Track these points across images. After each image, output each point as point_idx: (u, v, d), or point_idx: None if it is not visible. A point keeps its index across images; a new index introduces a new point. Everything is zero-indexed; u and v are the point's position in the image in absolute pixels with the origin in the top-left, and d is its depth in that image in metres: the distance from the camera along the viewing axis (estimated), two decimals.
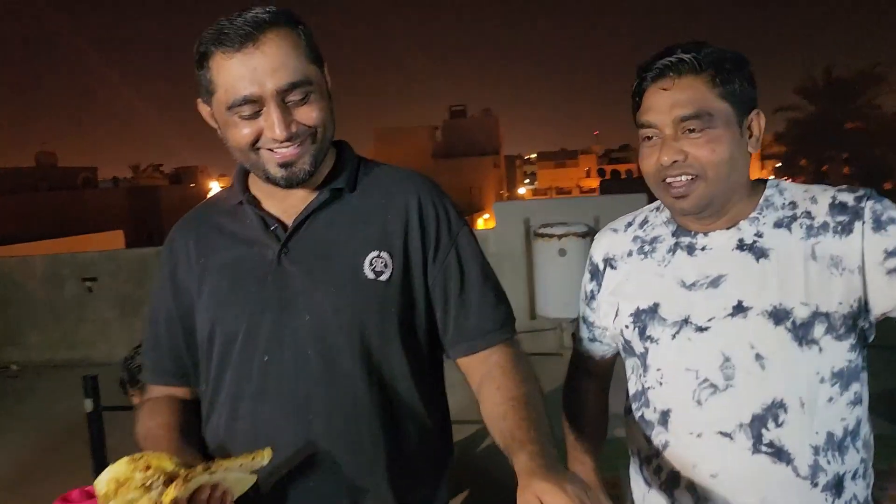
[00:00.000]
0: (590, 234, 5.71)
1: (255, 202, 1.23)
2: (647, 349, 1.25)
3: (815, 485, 1.14)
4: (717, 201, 1.17)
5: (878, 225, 1.11)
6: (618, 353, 1.41)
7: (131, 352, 2.20)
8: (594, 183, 67.16)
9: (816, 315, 1.12)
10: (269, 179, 1.16)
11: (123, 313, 7.21)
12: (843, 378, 1.14)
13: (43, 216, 26.87)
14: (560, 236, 5.76)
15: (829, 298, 1.12)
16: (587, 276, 1.41)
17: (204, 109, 1.21)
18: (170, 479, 0.96)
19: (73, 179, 37.60)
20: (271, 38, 1.09)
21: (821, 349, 1.12)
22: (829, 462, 1.14)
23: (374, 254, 1.18)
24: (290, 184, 1.16)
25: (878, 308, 1.14)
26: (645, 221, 1.34)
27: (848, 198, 1.15)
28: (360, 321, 1.16)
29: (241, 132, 1.12)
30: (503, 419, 1.09)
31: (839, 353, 1.14)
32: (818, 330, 1.12)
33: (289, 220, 1.21)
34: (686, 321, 1.19)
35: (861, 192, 1.15)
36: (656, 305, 1.23)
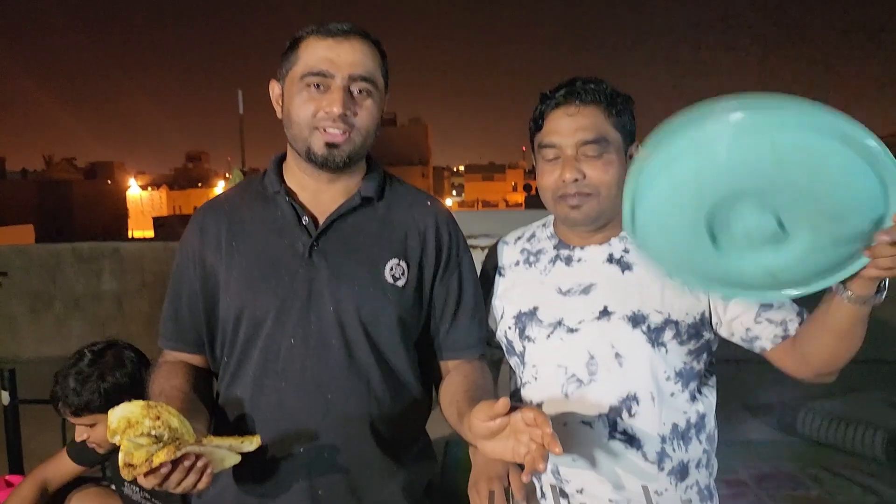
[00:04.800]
0: None
1: (291, 194, 1.34)
2: (525, 348, 1.40)
3: (662, 469, 1.31)
4: (603, 217, 1.35)
5: None
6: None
7: (65, 370, 1.93)
8: (520, 197, 68.37)
9: (667, 322, 1.30)
10: (310, 157, 1.28)
11: (33, 309, 6.96)
12: (683, 377, 1.32)
13: None
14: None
15: (678, 309, 1.30)
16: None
17: (275, 89, 1.34)
18: (173, 437, 1.06)
19: None
20: (360, 41, 1.28)
21: (667, 351, 1.30)
22: (674, 450, 1.31)
23: (395, 261, 1.33)
24: (326, 163, 1.28)
25: (718, 327, 1.32)
26: (532, 235, 1.51)
27: None
28: (376, 318, 1.30)
29: (305, 104, 1.26)
30: (458, 398, 1.28)
31: (681, 355, 1.32)
32: (667, 334, 1.30)
33: (319, 217, 1.33)
34: (560, 323, 1.35)
35: None
36: (535, 309, 1.39)
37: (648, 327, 1.29)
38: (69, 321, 6.94)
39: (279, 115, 1.33)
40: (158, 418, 1.08)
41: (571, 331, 1.34)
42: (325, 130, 1.26)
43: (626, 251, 1.36)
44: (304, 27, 1.30)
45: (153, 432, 1.07)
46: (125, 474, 1.02)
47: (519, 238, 1.53)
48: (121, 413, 1.07)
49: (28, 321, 6.96)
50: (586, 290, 1.35)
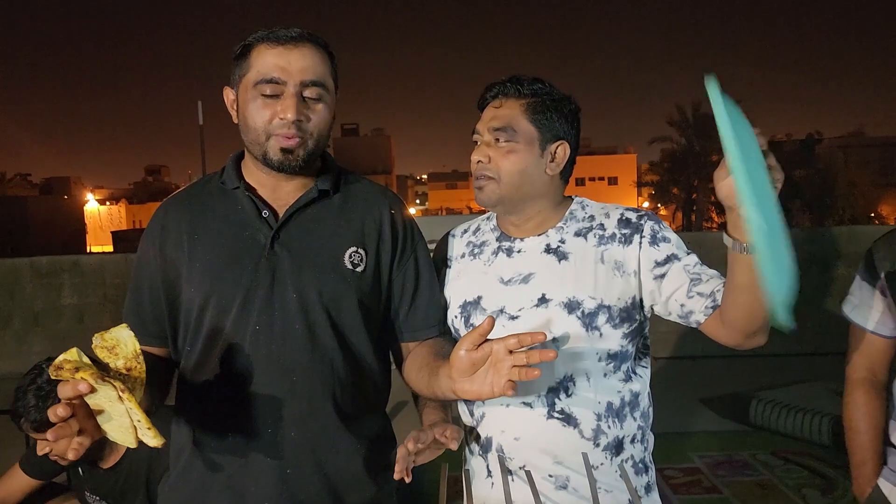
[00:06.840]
0: None
1: (250, 189, 1.41)
2: None
3: (598, 445, 1.39)
4: (508, 203, 1.45)
5: (653, 240, 1.38)
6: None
7: (24, 386, 1.93)
8: None
9: (601, 307, 1.38)
10: (266, 162, 1.35)
11: None
12: (617, 359, 1.41)
13: None
14: None
15: (610, 294, 1.39)
16: None
17: (228, 95, 1.40)
18: (118, 378, 1.06)
19: None
20: (310, 47, 1.34)
21: (601, 334, 1.39)
22: (609, 427, 1.40)
23: (353, 249, 1.40)
24: (282, 168, 1.35)
25: (647, 303, 1.42)
26: (478, 228, 1.60)
27: (632, 215, 1.44)
28: (337, 303, 1.37)
29: (260, 111, 1.32)
30: (427, 361, 1.37)
31: (616, 338, 1.40)
32: (601, 319, 1.38)
33: (279, 210, 1.40)
34: (502, 311, 1.44)
35: (642, 213, 1.44)
36: (479, 298, 1.48)
37: (583, 312, 1.37)
38: (29, 337, 6.83)
39: (235, 121, 1.40)
40: (129, 370, 1.10)
41: (513, 318, 1.41)
42: (280, 136, 1.32)
43: (562, 241, 1.44)
44: (254, 33, 1.35)
45: (112, 371, 1.08)
46: (51, 371, 1.04)
47: (465, 231, 1.62)
48: (120, 336, 1.09)
49: None
50: (526, 280, 1.43)
